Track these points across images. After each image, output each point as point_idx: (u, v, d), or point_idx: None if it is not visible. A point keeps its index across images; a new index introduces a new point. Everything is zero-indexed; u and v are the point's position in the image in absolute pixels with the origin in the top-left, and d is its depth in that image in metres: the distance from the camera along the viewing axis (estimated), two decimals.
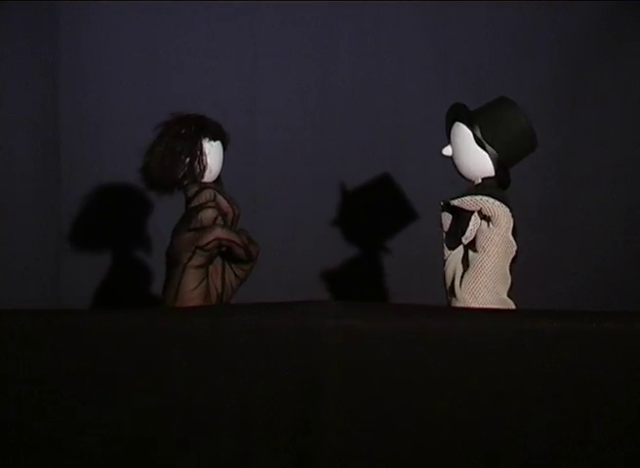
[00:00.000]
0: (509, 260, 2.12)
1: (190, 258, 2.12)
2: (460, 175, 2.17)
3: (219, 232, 2.12)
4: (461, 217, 2.13)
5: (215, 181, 2.22)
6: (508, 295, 2.12)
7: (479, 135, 2.11)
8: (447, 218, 2.18)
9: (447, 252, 2.19)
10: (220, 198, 2.18)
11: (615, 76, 3.24)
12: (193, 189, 2.18)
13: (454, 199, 2.13)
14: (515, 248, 2.11)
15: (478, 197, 2.09)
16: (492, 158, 2.11)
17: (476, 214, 2.10)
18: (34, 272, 3.06)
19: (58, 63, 3.12)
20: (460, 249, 2.18)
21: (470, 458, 1.73)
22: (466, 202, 2.10)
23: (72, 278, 3.13)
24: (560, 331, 1.73)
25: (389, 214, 3.18)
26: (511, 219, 2.10)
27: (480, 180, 2.14)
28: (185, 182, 2.17)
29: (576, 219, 3.25)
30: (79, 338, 1.74)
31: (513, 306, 2.12)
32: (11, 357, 1.73)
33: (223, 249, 2.14)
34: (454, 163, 2.17)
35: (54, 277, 3.11)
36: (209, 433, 1.73)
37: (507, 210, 2.09)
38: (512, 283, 2.13)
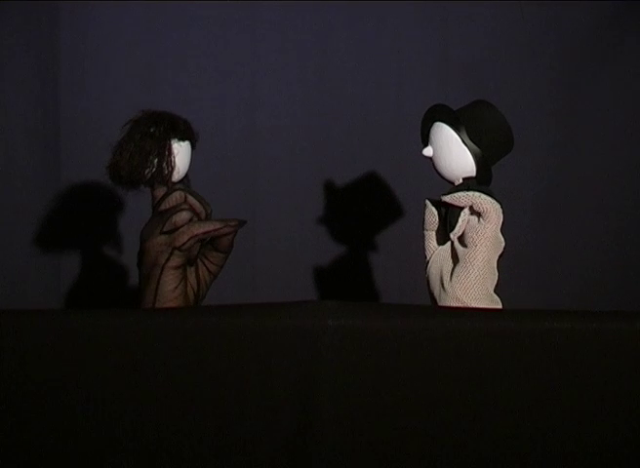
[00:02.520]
0: (497, 256, 2.15)
1: (168, 260, 2.13)
2: (440, 175, 2.20)
3: (193, 230, 2.13)
4: (451, 213, 2.16)
5: (182, 181, 2.23)
6: (495, 291, 2.15)
7: (464, 133, 2.13)
8: (430, 217, 2.21)
9: (430, 251, 2.22)
10: (190, 198, 2.18)
11: (615, 76, 3.24)
12: (161, 189, 2.19)
13: (444, 195, 2.16)
14: (503, 244, 2.15)
15: (471, 193, 2.13)
16: (475, 156, 2.14)
17: (466, 209, 2.13)
18: (34, 272, 3.06)
19: (58, 63, 3.12)
20: (444, 246, 2.20)
21: (471, 457, 1.74)
22: (459, 198, 2.13)
23: (72, 278, 3.13)
24: (560, 332, 1.73)
25: (391, 214, 3.18)
26: (501, 216, 2.13)
27: (461, 180, 2.17)
28: (153, 182, 2.18)
29: (576, 219, 3.26)
30: (79, 338, 1.74)
31: (499, 302, 2.15)
32: (11, 357, 1.73)
33: (205, 241, 2.16)
34: (434, 163, 2.19)
35: (54, 277, 3.11)
36: (207, 433, 1.73)
37: (498, 206, 2.13)
38: (499, 279, 2.16)
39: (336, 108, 3.23)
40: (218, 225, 2.16)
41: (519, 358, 1.73)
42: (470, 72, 3.22)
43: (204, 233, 2.13)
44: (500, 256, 2.16)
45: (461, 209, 2.13)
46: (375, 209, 3.22)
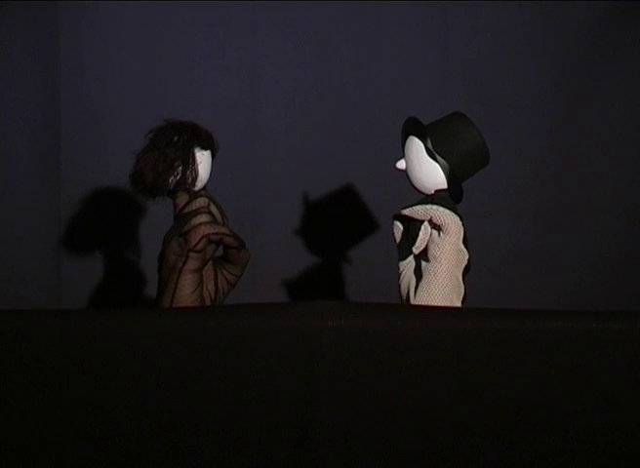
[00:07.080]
0: (461, 269, 2.13)
1: (185, 263, 2.14)
2: (414, 188, 2.19)
3: (204, 229, 2.14)
4: (412, 227, 2.15)
5: (203, 189, 2.24)
6: (462, 304, 2.13)
7: (430, 146, 2.13)
8: (398, 231, 2.20)
9: (402, 264, 2.21)
10: (212, 207, 2.20)
11: (615, 76, 3.24)
12: (183, 197, 2.20)
13: (404, 208, 2.15)
14: (467, 256, 2.13)
15: (428, 206, 2.12)
16: (443, 169, 2.14)
17: (426, 223, 2.12)
18: (34, 272, 3.06)
19: (58, 63, 3.12)
20: (412, 261, 2.19)
21: (471, 457, 1.74)
22: (417, 211, 2.13)
23: (72, 278, 3.12)
24: (560, 331, 1.73)
25: (393, 213, 3.18)
26: (461, 228, 2.12)
27: (432, 193, 2.16)
28: (176, 190, 2.19)
29: (576, 219, 3.25)
30: (79, 338, 1.74)
31: None
32: (11, 357, 1.73)
33: (214, 243, 2.17)
34: (407, 176, 2.19)
35: (54, 277, 3.11)
36: (208, 433, 1.73)
37: (457, 218, 2.11)
38: (466, 292, 2.14)
39: (336, 109, 3.23)
40: (227, 231, 2.17)
41: (519, 358, 1.73)
42: (470, 72, 3.22)
43: (215, 233, 2.15)
44: (466, 269, 2.14)
45: (422, 222, 2.13)
46: (376, 208, 3.21)
